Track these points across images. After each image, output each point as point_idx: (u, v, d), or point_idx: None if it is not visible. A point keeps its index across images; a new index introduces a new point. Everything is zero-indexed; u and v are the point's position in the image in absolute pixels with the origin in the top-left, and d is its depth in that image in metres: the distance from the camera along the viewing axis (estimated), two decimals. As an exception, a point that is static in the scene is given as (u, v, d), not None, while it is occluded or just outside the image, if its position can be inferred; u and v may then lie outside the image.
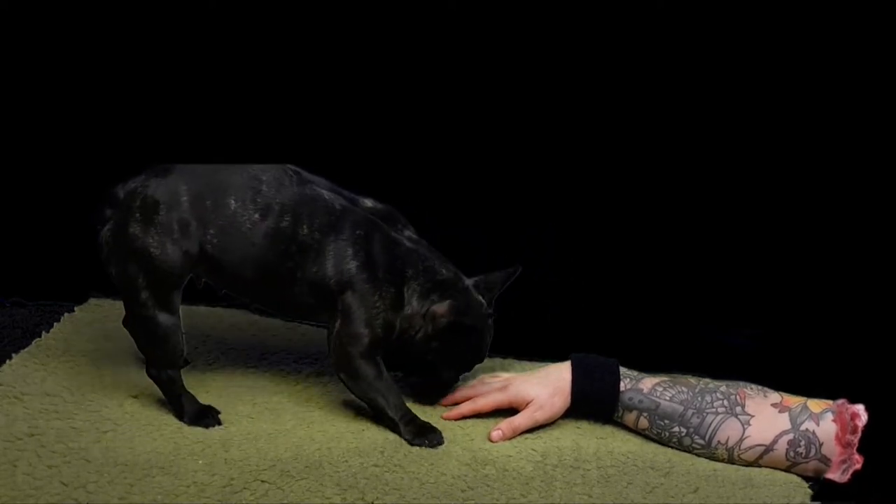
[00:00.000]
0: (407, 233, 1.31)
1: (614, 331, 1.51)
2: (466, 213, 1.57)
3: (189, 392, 1.28)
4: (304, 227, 1.24)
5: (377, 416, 1.29)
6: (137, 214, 1.21)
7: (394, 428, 1.27)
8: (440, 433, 1.26)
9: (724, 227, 1.53)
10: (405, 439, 1.26)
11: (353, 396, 1.32)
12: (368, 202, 1.30)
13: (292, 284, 1.25)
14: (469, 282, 1.32)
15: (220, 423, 1.26)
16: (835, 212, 1.47)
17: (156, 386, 1.31)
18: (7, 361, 1.37)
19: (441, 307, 1.27)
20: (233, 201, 1.23)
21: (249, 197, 1.23)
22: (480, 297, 1.31)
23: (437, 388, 1.36)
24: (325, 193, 1.27)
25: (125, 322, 1.29)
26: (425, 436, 1.25)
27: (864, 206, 1.46)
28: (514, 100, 1.53)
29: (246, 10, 1.54)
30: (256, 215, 1.23)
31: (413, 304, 1.28)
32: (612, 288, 1.57)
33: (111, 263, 1.23)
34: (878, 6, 1.38)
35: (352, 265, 1.25)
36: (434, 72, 1.53)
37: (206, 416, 1.26)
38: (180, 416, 1.26)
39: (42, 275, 1.39)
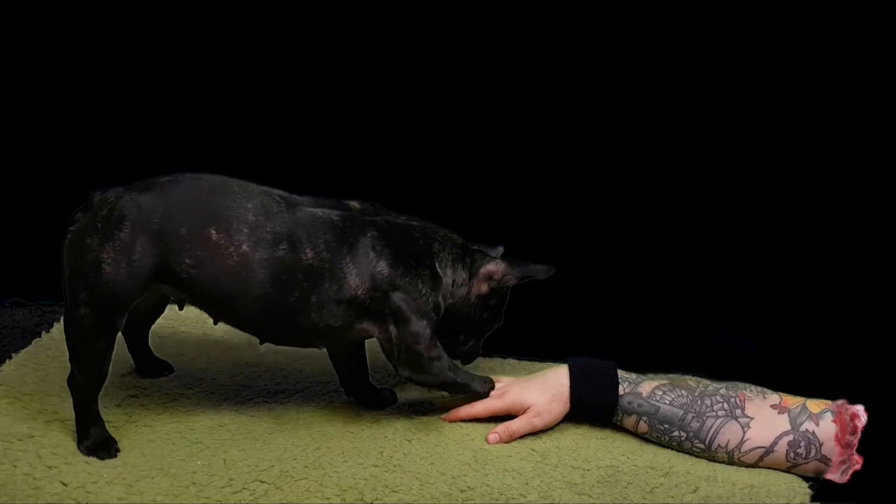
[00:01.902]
0: (402, 218, 1.27)
1: (614, 331, 1.51)
2: (466, 213, 1.57)
3: (101, 418, 1.21)
4: (308, 251, 1.18)
5: (460, 392, 1.30)
6: (99, 225, 1.13)
7: (477, 396, 1.30)
8: (491, 380, 1.32)
9: (726, 228, 1.53)
10: (479, 392, 1.30)
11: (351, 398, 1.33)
12: (356, 203, 1.25)
13: (307, 312, 1.19)
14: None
15: (114, 457, 1.18)
16: (835, 212, 1.47)
17: (154, 386, 1.31)
18: (7, 361, 1.37)
19: (494, 266, 1.28)
20: (213, 232, 1.15)
21: (234, 227, 1.16)
22: None
23: (466, 356, 1.36)
24: (319, 212, 1.21)
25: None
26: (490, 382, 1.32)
27: (864, 207, 1.46)
28: (513, 100, 1.53)
29: (244, 11, 1.54)
30: (245, 247, 1.16)
31: (448, 275, 1.26)
32: (612, 288, 1.57)
33: (64, 267, 1.15)
34: (878, 6, 1.39)
35: (382, 266, 1.20)
36: (434, 72, 1.54)
37: (105, 448, 1.19)
38: (82, 439, 1.19)
39: (42, 275, 1.39)
